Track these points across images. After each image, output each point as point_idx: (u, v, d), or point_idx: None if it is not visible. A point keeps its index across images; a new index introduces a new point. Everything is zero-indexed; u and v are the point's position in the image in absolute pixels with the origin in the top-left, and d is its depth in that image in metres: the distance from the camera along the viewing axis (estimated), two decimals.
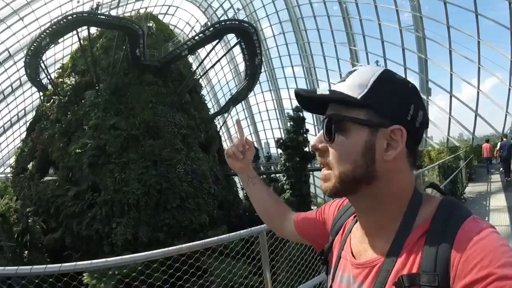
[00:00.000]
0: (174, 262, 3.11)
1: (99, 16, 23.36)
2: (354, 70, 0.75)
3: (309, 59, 33.94)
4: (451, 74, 22.47)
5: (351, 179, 0.71)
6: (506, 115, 20.54)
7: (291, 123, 21.24)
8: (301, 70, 36.41)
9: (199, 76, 31.00)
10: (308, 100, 0.79)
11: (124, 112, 24.50)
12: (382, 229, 0.74)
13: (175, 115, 25.59)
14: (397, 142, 0.70)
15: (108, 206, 21.57)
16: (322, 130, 0.75)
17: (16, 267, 2.01)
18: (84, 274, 15.63)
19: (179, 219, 21.89)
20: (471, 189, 10.91)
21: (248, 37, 24.18)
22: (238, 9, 31.89)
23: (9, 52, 30.55)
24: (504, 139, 14.24)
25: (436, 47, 23.27)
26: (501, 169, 13.50)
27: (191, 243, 2.38)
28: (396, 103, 0.71)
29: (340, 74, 30.05)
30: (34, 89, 32.67)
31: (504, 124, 20.94)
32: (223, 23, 23.86)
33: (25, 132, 32.16)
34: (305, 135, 21.04)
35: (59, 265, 2.07)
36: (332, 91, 0.73)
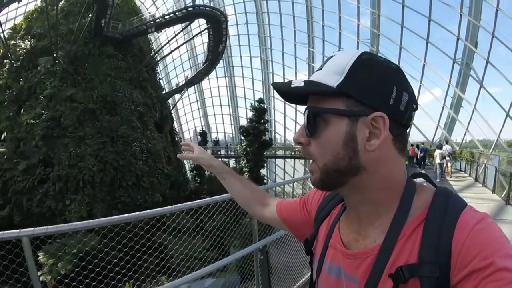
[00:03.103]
0: (131, 238, 3.29)
1: None
2: (332, 56, 0.72)
3: (267, 53, 35.48)
4: None
5: (335, 172, 0.69)
6: (437, 127, 24.63)
7: (254, 113, 22.07)
8: (258, 62, 37.63)
9: (164, 56, 30.34)
10: (285, 93, 0.74)
11: (81, 83, 23.46)
12: (375, 219, 0.72)
13: (133, 91, 24.93)
14: (380, 130, 0.67)
15: (62, 182, 20.98)
16: (303, 123, 0.72)
17: None
18: (39, 254, 15.21)
19: (134, 197, 21.92)
20: None
21: (218, 24, 24.24)
22: None
23: None
24: (422, 146, 20.46)
25: None
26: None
27: (135, 213, 2.45)
28: (376, 87, 0.67)
29: (296, 72, 32.50)
30: None
31: (435, 134, 25.20)
32: (196, 7, 23.48)
33: None
34: (265, 125, 22.04)
35: (2, 232, 2.06)
36: (307, 81, 0.70)
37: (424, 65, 23.42)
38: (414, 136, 26.08)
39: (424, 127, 26.52)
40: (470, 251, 0.56)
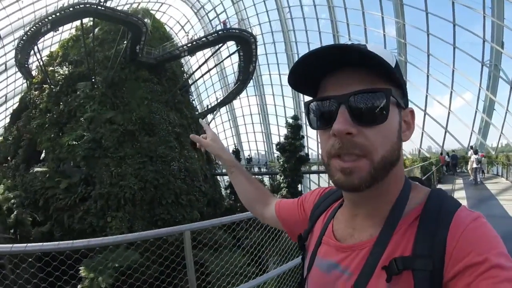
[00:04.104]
0: (169, 255, 3.42)
1: (107, 10, 23.35)
2: (365, 44, 0.67)
3: None
4: (426, 95, 25.47)
5: (390, 163, 0.66)
6: (471, 132, 24.12)
7: (289, 129, 23.19)
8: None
9: (196, 79, 31.83)
10: (320, 63, 0.67)
11: (120, 107, 24.78)
12: (372, 213, 0.72)
13: (169, 113, 26.28)
14: (410, 124, 0.72)
15: (104, 199, 21.80)
16: (345, 111, 0.64)
17: (11, 245, 2.14)
18: (80, 268, 15.48)
19: (173, 214, 22.72)
20: (440, 187, 13.91)
21: (248, 46, 25.48)
22: (242, 19, 32.87)
23: None
24: (452, 153, 21.23)
25: (416, 70, 26.17)
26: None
27: (167, 228, 2.62)
28: (406, 85, 0.72)
29: None
30: (18, 75, 31.70)
31: (470, 140, 24.51)
32: (226, 30, 24.93)
33: (5, 119, 31.29)
34: (301, 141, 23.12)
35: (57, 243, 2.22)
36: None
37: (453, 70, 23.46)
38: (448, 143, 25.90)
39: (458, 133, 25.96)
40: (464, 247, 0.57)
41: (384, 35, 26.91)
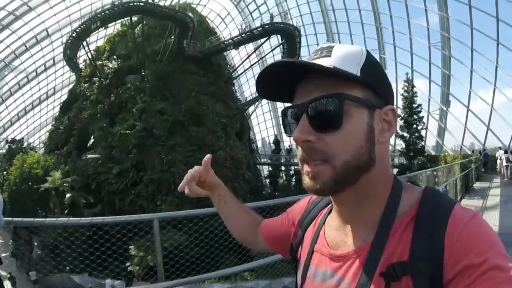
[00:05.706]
0: (216, 233, 3.76)
1: (156, 7, 24.50)
2: (333, 46, 0.68)
3: None
4: (469, 91, 25.41)
5: (356, 168, 0.63)
6: None
7: None
8: None
9: (240, 74, 32.77)
10: (289, 72, 0.67)
11: (169, 98, 25.89)
12: (364, 218, 0.69)
13: (216, 104, 27.28)
14: (390, 123, 0.67)
15: (155, 184, 22.92)
16: (305, 118, 0.65)
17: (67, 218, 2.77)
18: (130, 247, 16.17)
19: None
20: (478, 184, 15.03)
21: (292, 39, 26.24)
22: (284, 11, 33.41)
23: (47, 31, 31.14)
24: (484, 152, 22.06)
25: (459, 65, 26.13)
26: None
27: (206, 209, 2.81)
28: (386, 83, 0.69)
29: None
30: (65, 69, 33.34)
31: (511, 139, 23.98)
32: (271, 25, 25.81)
33: (53, 110, 32.96)
34: None
35: (102, 218, 2.68)
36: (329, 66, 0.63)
37: (496, 66, 23.15)
38: (490, 141, 25.58)
39: (500, 131, 25.40)
40: (464, 247, 0.56)
41: (428, 28, 26.68)
